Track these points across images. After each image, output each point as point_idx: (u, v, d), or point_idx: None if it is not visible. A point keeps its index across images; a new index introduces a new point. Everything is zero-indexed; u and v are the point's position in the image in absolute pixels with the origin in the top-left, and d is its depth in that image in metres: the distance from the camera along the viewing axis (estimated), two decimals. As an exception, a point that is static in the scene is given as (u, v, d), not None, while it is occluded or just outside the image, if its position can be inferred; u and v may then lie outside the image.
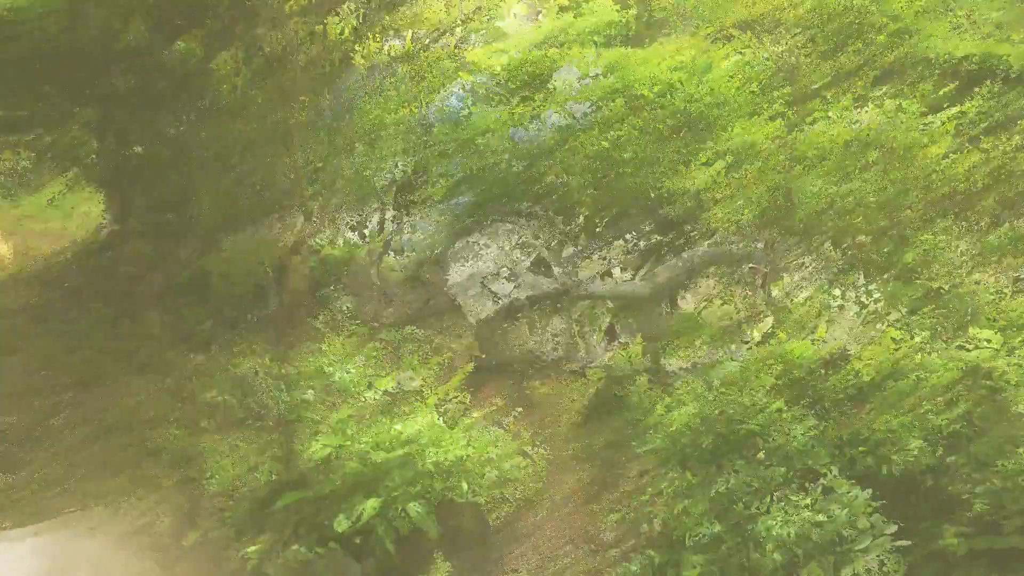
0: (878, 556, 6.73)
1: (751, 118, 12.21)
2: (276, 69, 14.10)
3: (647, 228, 14.39)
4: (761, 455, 7.42)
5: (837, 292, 11.39)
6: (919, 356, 7.98)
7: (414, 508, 8.10)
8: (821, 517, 6.86)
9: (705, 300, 14.54)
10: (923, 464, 7.22)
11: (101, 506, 9.75)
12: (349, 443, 8.64)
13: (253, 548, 8.20)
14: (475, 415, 9.35)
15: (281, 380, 9.68)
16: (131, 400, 11.96)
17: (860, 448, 7.47)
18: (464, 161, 13.90)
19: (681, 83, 13.61)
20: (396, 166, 15.11)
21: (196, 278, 13.59)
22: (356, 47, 14.11)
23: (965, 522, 7.14)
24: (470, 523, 8.44)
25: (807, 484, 7.22)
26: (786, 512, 6.87)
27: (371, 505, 8.10)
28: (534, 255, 10.05)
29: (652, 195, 13.04)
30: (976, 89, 10.98)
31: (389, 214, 16.04)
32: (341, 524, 8.10)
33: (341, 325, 14.02)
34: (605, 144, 13.28)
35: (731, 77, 13.41)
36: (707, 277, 10.46)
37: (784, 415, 7.68)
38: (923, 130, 10.80)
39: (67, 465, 10.80)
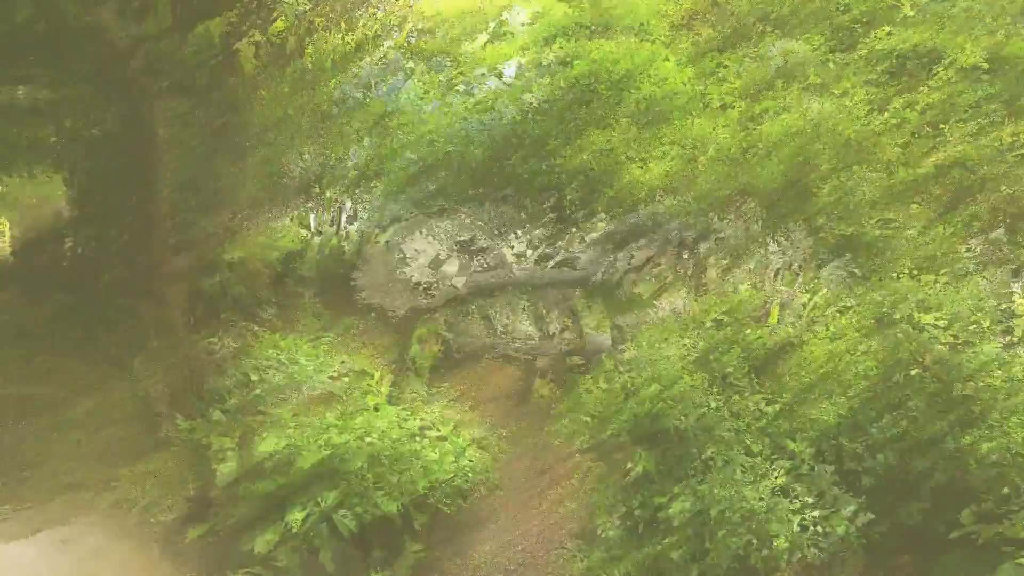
0: (842, 530, 7.01)
1: (704, 108, 12.14)
2: (284, 60, 14.28)
3: (602, 216, 14.47)
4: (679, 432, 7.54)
5: (790, 278, 11.49)
6: (866, 343, 8.02)
7: (374, 498, 8.13)
8: (729, 498, 7.07)
9: (660, 285, 14.63)
10: (877, 443, 7.33)
11: (107, 498, 9.84)
12: (304, 435, 8.65)
13: (262, 538, 8.08)
14: (434, 404, 9.48)
15: (240, 372, 9.70)
16: (127, 392, 11.90)
17: (814, 430, 7.58)
18: (420, 152, 14.04)
19: (639, 73, 13.67)
20: (351, 157, 15.29)
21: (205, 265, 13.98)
22: (308, 40, 14.21)
23: (925, 499, 7.28)
24: (430, 512, 8.46)
25: (719, 461, 7.37)
26: (687, 500, 7.08)
27: (331, 496, 8.12)
28: (491, 244, 10.18)
29: (607, 183, 13.14)
30: (928, 79, 10.96)
31: (347, 205, 16.23)
32: (296, 515, 8.11)
33: (299, 317, 14.30)
34: (559, 133, 13.36)
35: (685, 68, 13.39)
36: (662, 264, 10.51)
37: (736, 399, 7.86)
38: (874, 115, 10.83)
39: (69, 457, 10.86)
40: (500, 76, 14.04)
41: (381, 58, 14.41)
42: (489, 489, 8.98)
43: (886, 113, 10.89)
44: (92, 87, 11.73)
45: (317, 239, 15.79)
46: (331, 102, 14.99)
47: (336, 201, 16.58)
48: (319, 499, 8.15)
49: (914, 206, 10.25)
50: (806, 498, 7.26)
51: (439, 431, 8.95)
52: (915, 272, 9.63)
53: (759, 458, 7.41)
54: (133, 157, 10.43)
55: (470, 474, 8.73)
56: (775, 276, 12.55)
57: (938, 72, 10.91)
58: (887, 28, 11.73)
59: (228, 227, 12.61)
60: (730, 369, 8.31)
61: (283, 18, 13.15)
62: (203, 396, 9.23)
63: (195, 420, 8.98)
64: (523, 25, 15.08)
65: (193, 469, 9.49)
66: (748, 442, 7.60)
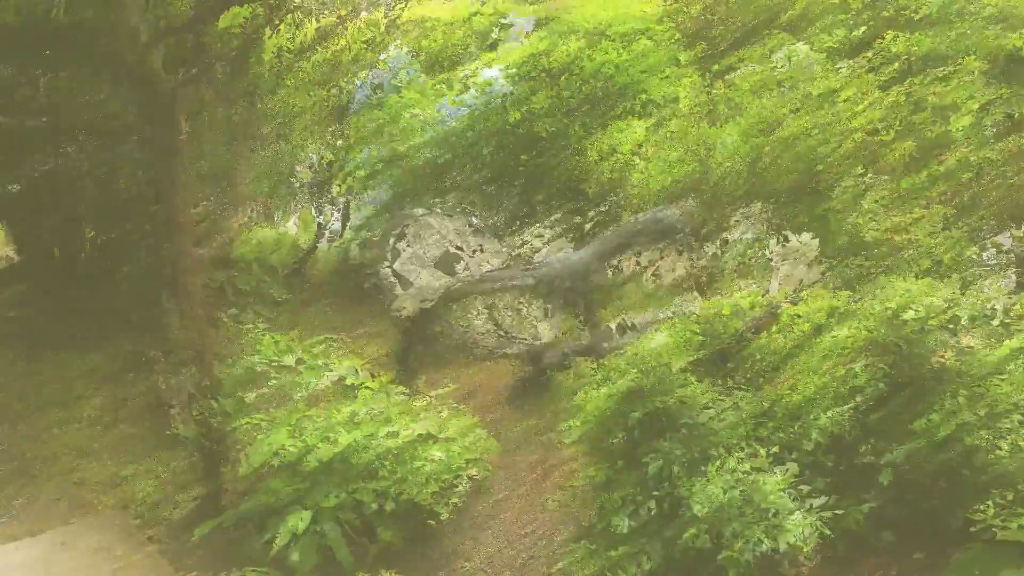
0: (805, 529, 6.71)
1: (712, 111, 12.01)
2: (295, 57, 14.28)
3: (609, 217, 14.45)
4: (689, 431, 7.26)
5: (796, 279, 11.45)
6: (875, 345, 7.71)
7: (383, 495, 7.98)
8: (743, 493, 6.82)
9: (666, 286, 14.62)
10: (838, 433, 7.13)
11: (113, 496, 9.78)
12: (311, 434, 8.40)
13: (279, 532, 7.81)
14: (436, 404, 9.14)
15: (247, 369, 9.31)
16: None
17: (779, 420, 7.36)
18: (426, 154, 14.04)
19: (647, 76, 13.69)
20: (358, 157, 15.35)
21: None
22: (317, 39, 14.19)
23: (940, 496, 7.09)
24: (422, 513, 8.24)
25: (732, 460, 7.07)
26: (711, 489, 6.78)
27: (340, 494, 7.97)
28: (496, 243, 10.14)
29: (614, 184, 13.13)
30: (937, 83, 10.77)
31: (354, 204, 16.27)
32: (306, 514, 7.92)
33: (305, 316, 14.29)
34: (566, 136, 13.33)
35: (692, 71, 13.39)
36: (668, 264, 10.47)
37: (747, 399, 7.55)
38: (882, 119, 10.69)
39: (79, 454, 10.80)
40: (504, 78, 14.08)
41: (385, 59, 14.45)
42: (491, 489, 8.82)
43: (895, 116, 10.92)
44: (111, 78, 11.73)
45: (324, 238, 15.83)
46: (338, 102, 15.04)
47: (343, 200, 16.60)
48: (329, 496, 7.99)
49: (918, 210, 10.28)
50: (819, 496, 7.18)
51: (442, 431, 8.72)
52: (923, 275, 9.73)
53: (771, 458, 7.32)
54: (155, 148, 10.44)
55: (473, 474, 8.54)
56: (781, 278, 12.56)
57: (947, 76, 10.95)
58: (896, 32, 11.78)
59: (242, 221, 12.62)
60: (739, 370, 8.13)
61: (292, 16, 13.13)
62: (216, 391, 9.09)
63: (209, 415, 8.82)
64: (528, 28, 15.18)
65: (204, 466, 9.22)
66: (760, 441, 7.48)
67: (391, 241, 9.98)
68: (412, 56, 14.71)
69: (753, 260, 11.94)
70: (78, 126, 12.10)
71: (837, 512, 6.85)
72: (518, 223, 14.61)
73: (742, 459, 7.10)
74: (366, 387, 9.23)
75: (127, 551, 8.05)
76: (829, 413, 7.23)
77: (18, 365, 13.03)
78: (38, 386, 12.45)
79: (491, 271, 9.88)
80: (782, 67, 11.98)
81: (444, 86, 14.91)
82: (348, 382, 9.15)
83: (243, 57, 9.40)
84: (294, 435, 8.38)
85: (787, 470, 7.03)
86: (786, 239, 12.31)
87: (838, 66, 11.69)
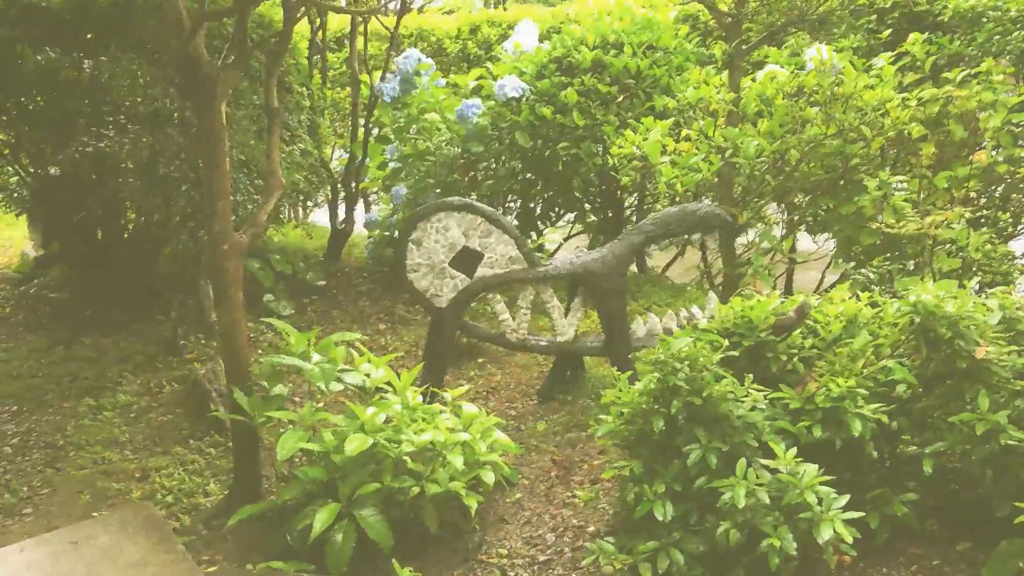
0: (897, 517, 6.66)
1: (737, 112, 11.96)
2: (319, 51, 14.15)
3: (598, 202, 14.47)
4: (728, 426, 7.03)
5: (822, 279, 11.35)
6: (907, 342, 7.50)
7: (409, 488, 7.71)
8: (778, 488, 6.64)
9: (690, 284, 14.62)
10: (871, 430, 6.91)
11: (141, 487, 9.50)
12: (337, 429, 8.15)
13: (319, 517, 7.47)
14: (459, 400, 8.86)
15: (274, 362, 8.80)
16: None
17: (809, 419, 7.15)
18: (452, 150, 14.03)
19: (670, 77, 13.69)
20: (385, 152, 15.38)
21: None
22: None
23: (916, 487, 6.99)
24: (446, 512, 8.02)
25: (763, 458, 6.91)
26: (745, 483, 6.58)
27: (371, 485, 7.71)
28: (520, 238, 10.07)
29: (596, 165, 13.14)
30: (965, 83, 10.61)
31: (379, 198, 16.28)
32: (328, 513, 7.66)
33: (331, 309, 14.24)
34: (546, 115, 13.29)
35: (675, 29, 13.41)
36: (666, 244, 10.40)
37: (734, 385, 7.29)
38: (909, 120, 10.57)
39: (108, 444, 10.51)
40: (524, 78, 14.10)
41: (407, 58, 14.50)
42: (512, 487, 8.53)
43: (922, 117, 10.89)
44: (154, 61, 11.73)
45: (350, 231, 15.80)
46: (356, 101, 15.07)
47: (367, 195, 16.63)
48: (363, 486, 7.77)
49: (946, 209, 10.25)
50: (858, 489, 7.00)
51: (464, 427, 8.45)
52: (952, 275, 9.49)
53: (802, 456, 7.26)
54: (196, 132, 10.42)
55: (495, 470, 8.21)
56: (802, 278, 12.51)
57: (973, 77, 10.92)
58: (921, 34, 11.75)
59: (273, 212, 12.57)
60: (769, 369, 7.88)
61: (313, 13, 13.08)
62: (247, 380, 9.00)
63: (245, 404, 8.72)
64: (534, 31, 15.26)
65: (238, 454, 8.95)
66: (793, 437, 7.44)
67: (409, 238, 9.94)
68: (429, 59, 14.75)
69: (772, 260, 11.93)
70: (120, 109, 12.10)
71: (856, 514, 6.74)
72: (541, 219, 14.62)
73: (777, 455, 7.05)
74: (388, 386, 9.14)
75: (143, 551, 7.63)
76: (865, 409, 7.18)
77: (55, 351, 12.95)
78: (73, 372, 12.30)
79: (513, 268, 9.83)
80: (807, 66, 11.99)
81: (461, 87, 14.96)
82: (368, 384, 9.04)
83: (283, 45, 9.34)
84: (312, 438, 8.14)
85: (803, 472, 6.94)
86: (816, 239, 12.30)
87: (864, 66, 11.69)
